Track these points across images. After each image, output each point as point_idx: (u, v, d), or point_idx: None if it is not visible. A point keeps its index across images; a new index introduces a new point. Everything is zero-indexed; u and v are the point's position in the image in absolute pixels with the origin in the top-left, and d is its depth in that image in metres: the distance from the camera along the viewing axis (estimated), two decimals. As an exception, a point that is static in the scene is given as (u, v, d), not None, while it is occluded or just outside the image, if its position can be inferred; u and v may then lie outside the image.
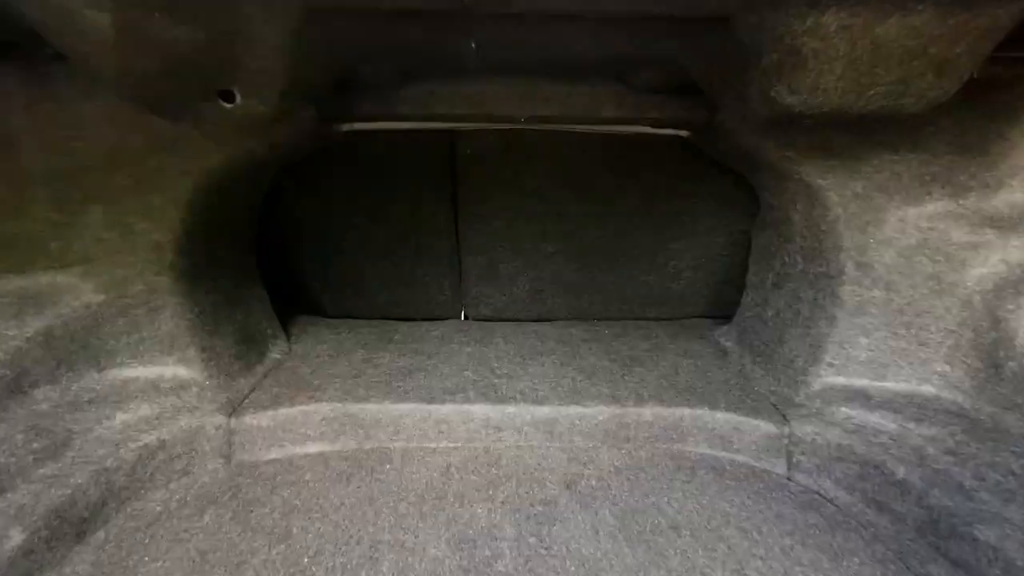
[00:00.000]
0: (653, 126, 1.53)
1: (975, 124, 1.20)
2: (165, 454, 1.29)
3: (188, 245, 1.38)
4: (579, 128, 1.59)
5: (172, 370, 1.38)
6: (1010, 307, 1.15)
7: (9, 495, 1.02)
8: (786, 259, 1.58)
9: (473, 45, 1.10)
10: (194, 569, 1.06)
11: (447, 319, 2.09)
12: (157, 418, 1.31)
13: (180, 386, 1.38)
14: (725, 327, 1.89)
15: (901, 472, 1.18)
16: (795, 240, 1.53)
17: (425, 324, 2.00)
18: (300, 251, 1.93)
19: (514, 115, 1.44)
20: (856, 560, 1.10)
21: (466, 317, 2.10)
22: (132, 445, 1.24)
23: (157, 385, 1.36)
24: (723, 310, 2.06)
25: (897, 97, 0.97)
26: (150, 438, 1.27)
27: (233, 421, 1.40)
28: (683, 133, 1.58)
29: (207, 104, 1.07)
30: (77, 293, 1.27)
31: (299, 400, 1.47)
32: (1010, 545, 0.96)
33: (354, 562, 1.08)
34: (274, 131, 1.35)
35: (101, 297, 1.29)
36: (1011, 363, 1.13)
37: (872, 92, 0.95)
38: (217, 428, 1.37)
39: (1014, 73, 1.13)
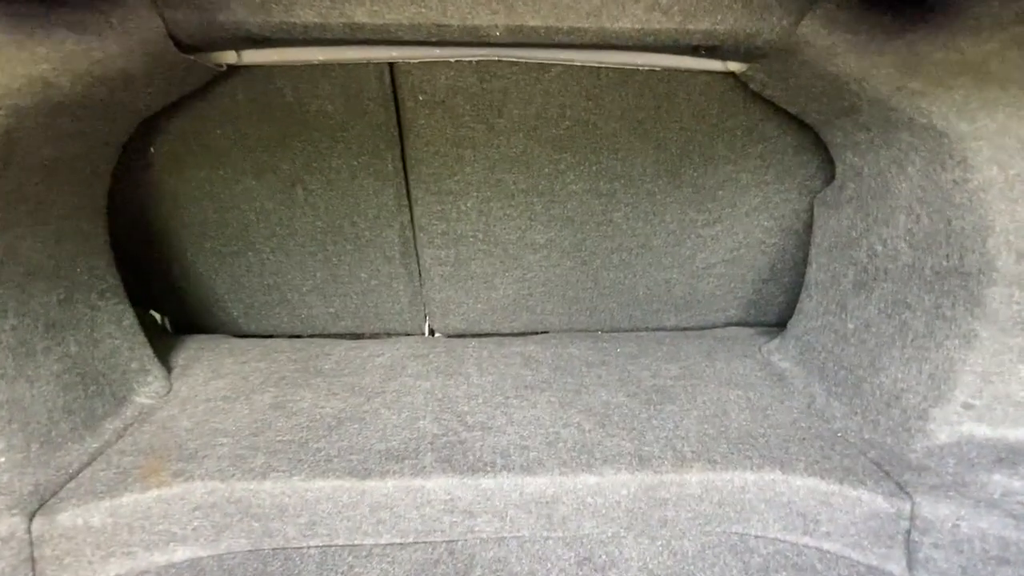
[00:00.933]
0: (695, 50, 1.03)
1: None
2: None
3: None
4: (583, 59, 1.08)
5: None
6: None
7: None
8: (879, 248, 1.10)
9: None
10: None
11: (404, 335, 1.57)
12: None
13: None
14: (776, 340, 1.41)
15: None
16: (899, 220, 1.04)
17: (371, 345, 1.48)
18: (192, 248, 1.39)
19: (482, 27, 0.92)
20: None
21: (431, 331, 1.59)
22: None
23: None
24: (767, 315, 1.58)
25: None
26: None
27: (39, 523, 0.87)
28: (735, 66, 1.08)
29: None
30: None
31: (160, 479, 0.94)
32: None
33: None
34: (83, 49, 0.81)
35: None
36: None
37: None
38: (7, 539, 0.84)
39: None
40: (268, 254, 1.42)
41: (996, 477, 0.89)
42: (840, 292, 1.21)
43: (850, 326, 1.16)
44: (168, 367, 1.29)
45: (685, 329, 1.59)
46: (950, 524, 0.88)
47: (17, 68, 0.81)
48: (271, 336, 1.55)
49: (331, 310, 1.53)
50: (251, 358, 1.37)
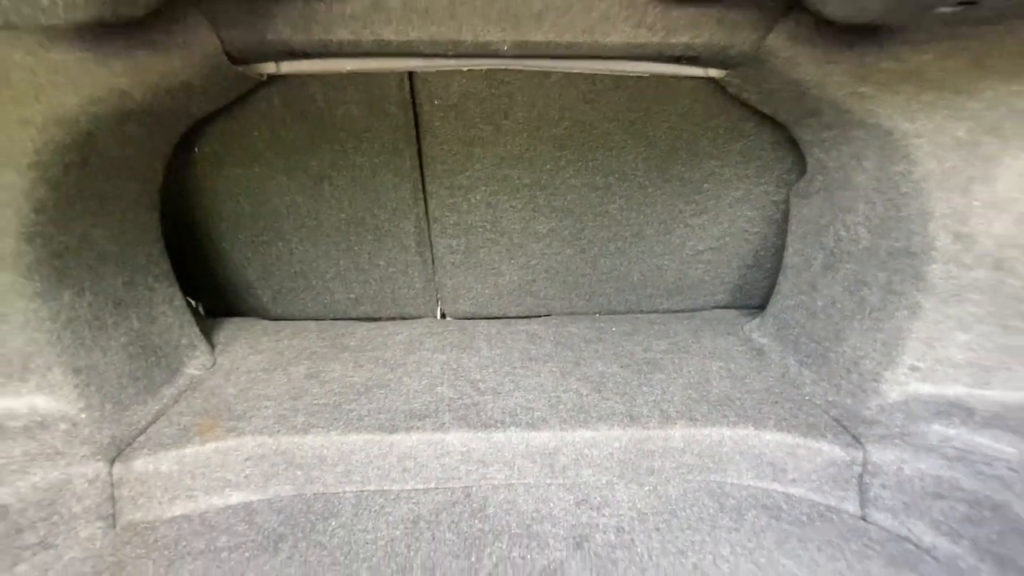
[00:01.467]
0: (679, 59, 1.17)
1: None
2: (10, 523, 0.91)
3: (41, 227, 0.98)
4: (580, 67, 1.22)
5: (27, 401, 1.00)
6: None
7: None
8: (842, 233, 1.24)
9: None
10: None
11: (418, 318, 1.72)
12: (-2, 472, 0.93)
13: (39, 424, 1.00)
14: (757, 319, 1.56)
15: (1035, 518, 0.86)
16: (858, 208, 1.19)
17: (390, 325, 1.63)
18: (228, 238, 1.54)
19: (491, 42, 1.07)
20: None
21: (443, 315, 1.74)
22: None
23: (1, 424, 0.97)
24: (751, 298, 1.72)
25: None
26: (-18, 504, 0.89)
27: (118, 469, 1.02)
28: (715, 73, 1.23)
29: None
30: None
31: (215, 434, 1.10)
32: None
33: None
34: (155, 63, 0.96)
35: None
36: None
37: None
38: (92, 481, 0.99)
39: None
40: (296, 244, 1.57)
41: (935, 427, 1.03)
42: (811, 274, 1.35)
43: (819, 303, 1.31)
44: (212, 344, 1.44)
45: (676, 311, 1.73)
46: (895, 468, 1.02)
47: (99, 81, 0.95)
48: (296, 319, 1.70)
49: (352, 295, 1.68)
50: (283, 336, 1.52)
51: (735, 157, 1.46)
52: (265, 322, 1.63)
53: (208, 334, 1.48)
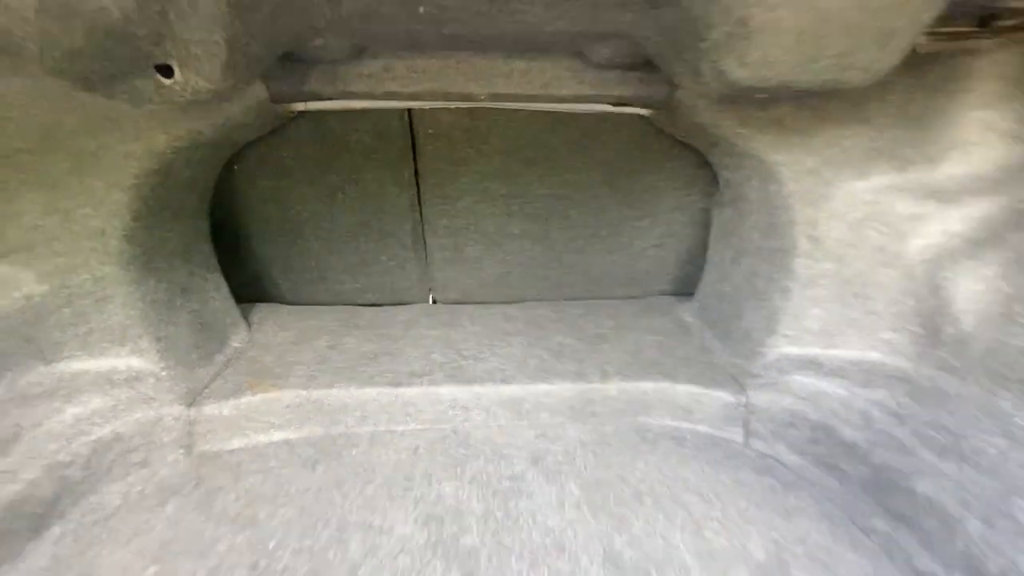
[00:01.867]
0: (614, 104, 1.54)
1: (917, 99, 1.25)
2: (121, 447, 1.26)
3: (136, 232, 1.32)
4: (541, 107, 1.58)
5: (125, 361, 1.34)
6: (947, 275, 1.22)
7: None
8: (743, 235, 1.62)
9: (421, 10, 1.07)
10: (156, 559, 1.04)
11: (414, 303, 2.07)
12: (111, 411, 1.27)
13: (135, 377, 1.34)
14: (687, 303, 1.94)
15: (848, 434, 1.24)
16: (751, 216, 1.56)
17: (391, 309, 1.99)
18: (257, 238, 1.88)
19: (472, 92, 1.42)
20: (806, 517, 1.16)
21: (434, 301, 2.09)
22: (85, 439, 1.20)
23: (109, 377, 1.31)
24: (686, 287, 2.10)
25: (843, 70, 1.00)
26: (104, 431, 1.23)
27: (193, 411, 1.37)
28: (644, 112, 1.59)
29: (144, 80, 1.01)
30: (16, 284, 1.21)
31: (262, 388, 1.44)
32: (945, 497, 1.03)
33: (321, 544, 1.08)
34: (221, 110, 1.30)
35: (44, 288, 1.23)
36: (948, 328, 1.20)
37: (819, 64, 0.98)
38: (176, 419, 1.34)
39: (953, 48, 1.17)
40: (313, 243, 1.91)
41: (795, 377, 1.41)
42: (724, 267, 1.73)
43: (727, 290, 1.68)
44: (248, 323, 1.78)
45: (625, 298, 2.11)
46: (767, 407, 1.40)
47: (181, 125, 1.29)
48: (312, 305, 2.04)
49: (358, 285, 2.03)
50: (304, 318, 1.87)
51: (667, 173, 1.83)
52: (287, 307, 1.97)
53: (244, 316, 1.82)
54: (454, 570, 1.02)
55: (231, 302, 1.70)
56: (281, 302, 2.05)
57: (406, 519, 1.15)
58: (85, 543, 1.07)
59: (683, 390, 1.49)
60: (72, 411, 1.22)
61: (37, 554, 1.04)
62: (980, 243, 1.17)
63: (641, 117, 1.66)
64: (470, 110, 1.63)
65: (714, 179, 1.83)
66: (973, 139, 1.20)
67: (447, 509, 1.17)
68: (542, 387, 1.49)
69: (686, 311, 1.91)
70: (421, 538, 1.10)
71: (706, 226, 1.94)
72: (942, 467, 1.07)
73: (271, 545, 1.08)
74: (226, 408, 1.40)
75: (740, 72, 0.99)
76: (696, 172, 1.83)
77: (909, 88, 1.25)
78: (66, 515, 1.13)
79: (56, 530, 1.09)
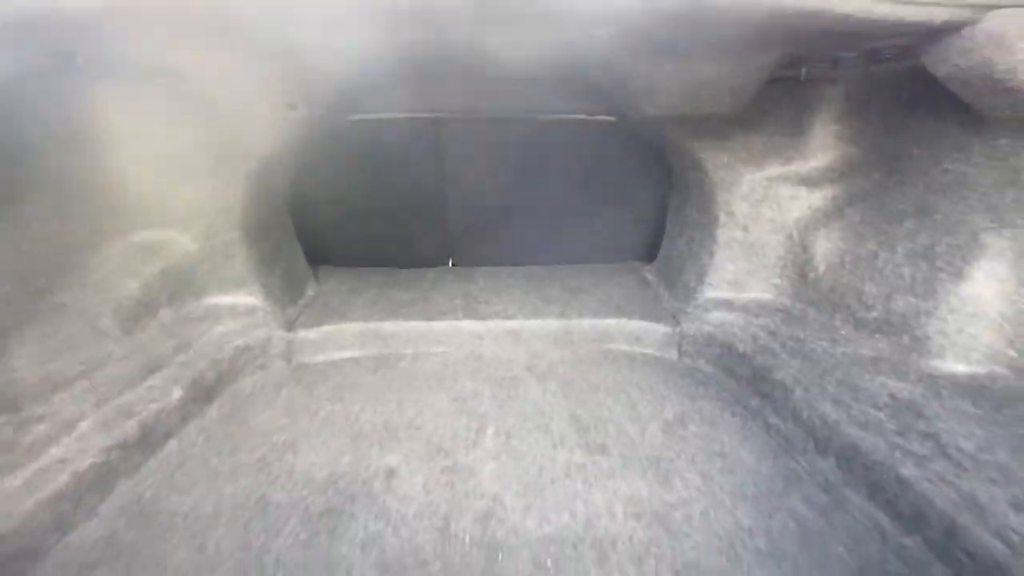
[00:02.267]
0: (588, 114, 2.07)
1: (796, 115, 1.78)
2: (249, 354, 1.86)
3: (249, 209, 1.91)
4: (539, 118, 2.12)
5: (244, 300, 1.93)
6: (812, 237, 1.76)
7: (165, 370, 1.58)
8: (685, 213, 2.17)
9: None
10: (283, 419, 1.64)
11: (438, 266, 2.66)
12: (240, 331, 1.87)
13: (251, 311, 1.94)
14: (650, 266, 2.50)
15: (741, 348, 1.81)
16: (692, 198, 2.11)
17: (421, 270, 2.57)
18: (319, 218, 2.46)
19: (480, 107, 1.97)
20: (706, 400, 1.74)
21: (453, 264, 2.67)
22: (228, 347, 1.80)
23: (235, 309, 1.91)
24: (653, 255, 2.66)
25: (714, 107, 1.54)
26: (238, 343, 1.84)
27: (290, 335, 1.97)
28: (615, 119, 2.13)
29: (279, 113, 1.58)
30: (181, 245, 1.80)
31: (334, 321, 2.04)
32: (788, 379, 1.59)
33: (388, 412, 1.68)
34: (301, 133, 1.87)
35: (196, 247, 1.82)
36: (811, 274, 1.75)
37: (698, 104, 1.52)
38: (280, 339, 1.94)
39: (815, 75, 1.69)
40: (360, 219, 2.49)
41: (714, 313, 1.97)
42: (673, 237, 2.28)
43: (675, 254, 2.24)
44: (316, 279, 2.38)
45: (606, 263, 2.67)
46: (693, 334, 1.97)
47: (265, 152, 1.86)
48: (357, 267, 2.63)
49: (392, 253, 2.61)
50: (355, 276, 2.46)
51: (637, 163, 2.37)
52: (339, 268, 2.56)
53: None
54: (473, 423, 1.62)
55: (305, 262, 2.29)
56: (337, 265, 2.64)
57: (441, 399, 1.74)
58: (236, 410, 1.68)
59: (636, 324, 2.06)
60: (218, 329, 1.82)
61: (211, 413, 1.65)
62: (830, 215, 1.72)
63: (615, 123, 2.20)
64: (483, 119, 2.19)
65: (670, 171, 2.37)
66: (828, 143, 1.73)
67: (468, 393, 1.76)
68: (535, 323, 2.07)
69: (649, 272, 2.47)
70: (452, 408, 1.69)
71: (666, 209, 2.49)
72: (791, 363, 1.63)
73: (354, 411, 1.68)
74: (312, 334, 1.99)
75: (652, 110, 1.54)
76: (660, 163, 2.37)
77: (791, 107, 1.78)
78: (223, 392, 1.73)
79: (220, 399, 1.70)
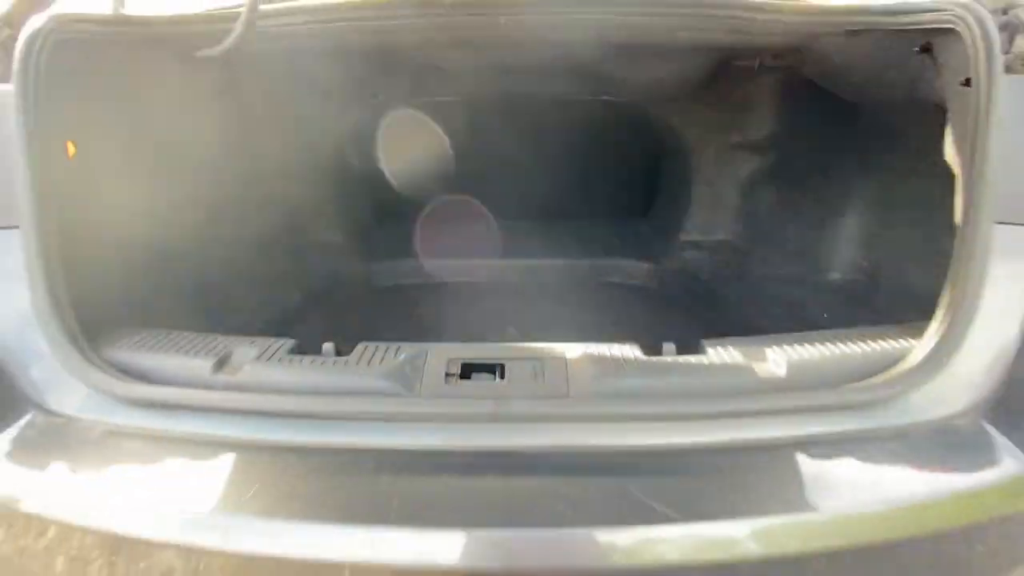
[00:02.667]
0: (592, 96, 2.64)
1: (747, 95, 2.30)
2: (336, 279, 2.59)
3: (343, 175, 2.60)
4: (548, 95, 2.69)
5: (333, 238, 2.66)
6: (758, 191, 2.32)
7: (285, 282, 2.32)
8: (672, 172, 2.73)
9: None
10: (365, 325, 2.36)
11: None
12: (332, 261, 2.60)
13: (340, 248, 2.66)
14: (646, 220, 3.08)
15: (703, 276, 2.40)
16: (673, 162, 2.67)
17: None
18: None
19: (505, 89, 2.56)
20: (670, 314, 2.35)
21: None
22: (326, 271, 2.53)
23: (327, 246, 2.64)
24: (646, 211, 3.23)
25: (679, 92, 2.11)
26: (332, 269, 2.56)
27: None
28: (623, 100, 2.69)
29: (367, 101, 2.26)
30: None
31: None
32: (737, 300, 2.18)
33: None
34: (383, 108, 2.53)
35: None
36: (756, 218, 2.32)
37: (666, 90, 2.08)
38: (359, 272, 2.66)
39: (764, 64, 2.20)
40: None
41: (687, 253, 2.56)
42: (663, 194, 2.85)
43: (662, 207, 2.81)
44: None
45: (608, 217, 3.25)
46: (670, 268, 2.56)
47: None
48: None
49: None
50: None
51: (643, 135, 2.92)
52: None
53: None
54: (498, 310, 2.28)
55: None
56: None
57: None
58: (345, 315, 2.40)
59: (626, 263, 2.67)
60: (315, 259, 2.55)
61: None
62: (766, 174, 2.26)
63: (618, 103, 2.76)
64: (501, 102, 2.78)
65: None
66: (770, 118, 2.25)
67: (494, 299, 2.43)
68: (547, 261, 2.70)
69: (643, 224, 3.05)
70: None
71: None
72: (737, 285, 2.22)
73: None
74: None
75: (633, 95, 2.12)
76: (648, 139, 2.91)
77: (746, 89, 2.31)
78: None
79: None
